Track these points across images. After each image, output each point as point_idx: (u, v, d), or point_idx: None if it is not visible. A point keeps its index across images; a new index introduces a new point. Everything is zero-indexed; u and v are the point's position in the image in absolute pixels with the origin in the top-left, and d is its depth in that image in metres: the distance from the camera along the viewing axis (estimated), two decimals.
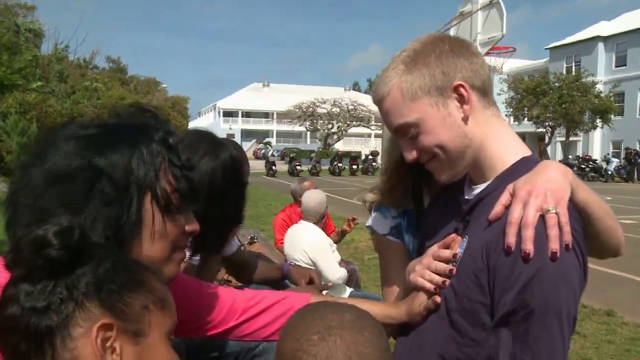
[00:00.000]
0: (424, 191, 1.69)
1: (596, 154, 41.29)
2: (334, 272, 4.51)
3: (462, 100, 1.23)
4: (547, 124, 36.54)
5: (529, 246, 1.05)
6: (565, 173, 1.15)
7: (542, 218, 1.08)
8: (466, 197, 1.33)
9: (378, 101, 1.28)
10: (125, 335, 0.79)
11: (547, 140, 37.58)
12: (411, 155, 1.28)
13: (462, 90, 1.22)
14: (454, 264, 1.24)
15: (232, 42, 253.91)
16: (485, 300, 1.14)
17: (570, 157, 35.65)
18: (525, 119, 37.15)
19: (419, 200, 1.69)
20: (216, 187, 1.70)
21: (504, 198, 1.16)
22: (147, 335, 0.82)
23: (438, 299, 1.26)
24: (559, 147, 43.25)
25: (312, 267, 4.51)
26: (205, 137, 1.79)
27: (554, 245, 1.05)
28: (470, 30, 9.15)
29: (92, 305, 0.78)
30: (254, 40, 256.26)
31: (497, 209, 1.16)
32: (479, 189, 1.29)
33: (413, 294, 1.35)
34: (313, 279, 2.29)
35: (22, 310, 0.76)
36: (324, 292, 2.06)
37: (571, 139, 38.70)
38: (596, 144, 44.00)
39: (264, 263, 2.73)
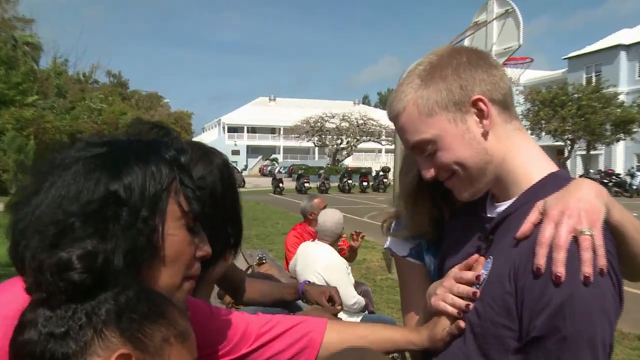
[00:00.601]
0: (444, 210, 1.68)
1: (619, 167, 41.04)
2: (352, 297, 4.49)
3: (481, 115, 1.22)
4: (566, 136, 36.43)
5: (560, 269, 1.03)
6: (600, 192, 1.13)
7: (575, 240, 1.06)
8: (488, 215, 1.32)
9: (393, 117, 1.28)
10: None
11: (566, 153, 37.45)
12: (429, 173, 1.28)
13: (481, 104, 1.22)
14: (478, 286, 1.23)
15: (237, 55, 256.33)
16: (513, 324, 1.12)
17: (591, 171, 35.44)
18: (543, 132, 37.03)
19: (439, 220, 1.68)
20: (217, 193, 1.71)
21: (533, 216, 1.15)
22: None
23: (462, 323, 1.24)
24: (579, 160, 43.02)
25: None
26: (195, 145, 1.81)
27: (588, 269, 1.02)
28: (486, 41, 9.17)
29: (112, 334, 0.78)
30: (259, 53, 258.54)
31: (526, 227, 1.14)
32: (503, 206, 1.28)
33: (435, 318, 1.33)
34: (333, 296, 2.26)
35: (40, 336, 0.77)
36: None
37: (592, 152, 38.56)
38: (619, 157, 43.82)
39: (273, 283, 2.72)
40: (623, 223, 1.14)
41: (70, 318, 0.77)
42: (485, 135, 1.23)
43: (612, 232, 1.13)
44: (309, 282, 2.53)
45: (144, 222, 0.95)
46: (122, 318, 0.79)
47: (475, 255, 1.28)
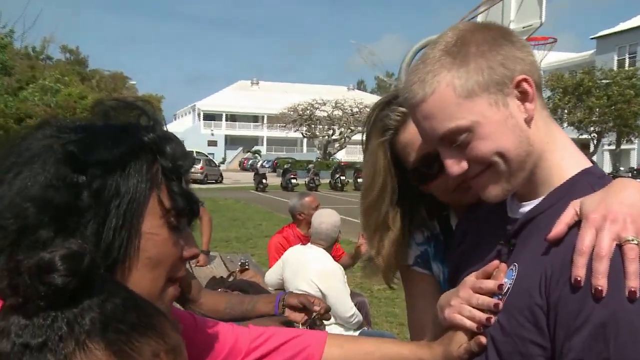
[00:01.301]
0: (451, 211, 1.71)
1: None
2: (350, 309, 4.54)
3: (524, 97, 1.21)
4: (591, 129, 36.41)
5: (601, 282, 1.02)
6: None
7: (619, 249, 1.05)
8: (511, 216, 1.32)
9: (417, 103, 1.23)
10: None
11: (592, 149, 37.47)
12: (459, 167, 1.23)
13: (525, 85, 1.20)
14: (500, 297, 1.22)
15: (214, 31, 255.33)
16: (544, 342, 1.12)
17: (622, 168, 35.30)
18: (565, 124, 36.99)
19: (446, 222, 1.71)
20: None
21: (568, 216, 1.14)
22: None
23: (483, 339, 1.22)
24: (607, 156, 42.98)
25: None
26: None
27: (634, 283, 1.02)
28: (502, 18, 9.18)
29: (96, 346, 0.77)
30: (241, 29, 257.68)
31: (559, 228, 1.13)
32: (529, 205, 1.27)
33: (450, 333, 1.32)
34: (303, 303, 2.21)
35: (13, 347, 0.76)
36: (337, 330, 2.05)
37: (623, 147, 38.58)
38: None
39: (244, 295, 2.72)
40: None
41: (49, 327, 0.76)
42: (528, 121, 1.22)
43: None
44: (287, 292, 2.55)
45: (121, 219, 0.96)
46: (108, 328, 0.78)
47: (496, 262, 1.27)
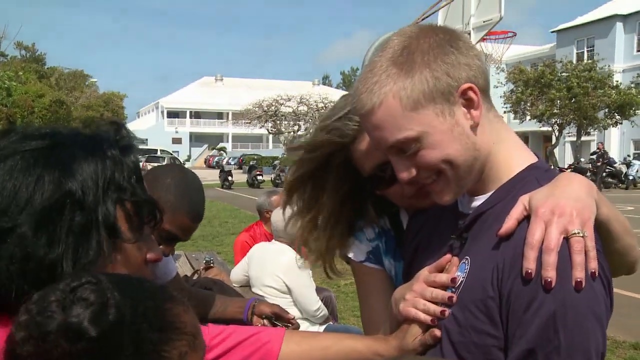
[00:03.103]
0: (400, 207, 1.74)
1: (614, 155, 41.43)
2: (315, 302, 4.58)
3: (470, 105, 1.24)
4: (554, 121, 36.95)
5: (551, 274, 1.08)
6: (590, 189, 1.20)
7: (567, 241, 1.11)
8: (462, 211, 1.37)
9: (365, 113, 1.25)
10: None
11: (554, 140, 38.04)
12: (408, 173, 1.27)
13: (470, 93, 1.23)
14: (454, 290, 1.26)
15: (177, 27, 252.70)
16: (497, 333, 1.16)
17: (582, 159, 35.89)
18: (528, 117, 37.43)
19: (396, 218, 1.75)
20: None
21: (517, 211, 1.18)
22: None
23: (437, 332, 1.26)
24: (568, 148, 43.69)
25: (286, 295, 4.56)
26: None
27: (580, 273, 1.08)
28: (463, 13, 9.31)
29: None
30: (204, 24, 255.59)
31: (509, 223, 1.18)
32: (479, 200, 1.32)
33: (404, 326, 1.36)
34: (277, 313, 2.35)
35: None
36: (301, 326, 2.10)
37: (583, 138, 39.15)
38: (614, 144, 44.19)
39: (220, 297, 2.73)
40: (610, 219, 1.22)
41: None
42: (474, 127, 1.25)
43: (598, 229, 1.19)
44: (257, 300, 2.59)
45: (87, 226, 0.99)
46: (143, 354, 0.85)
47: (448, 255, 1.31)
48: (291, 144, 1.77)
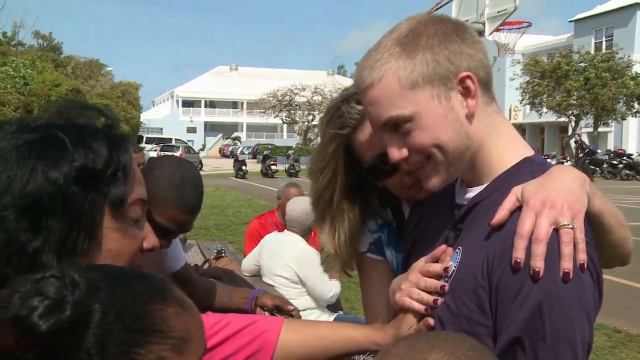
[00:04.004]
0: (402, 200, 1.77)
1: (632, 147, 40.86)
2: (328, 289, 4.62)
3: (467, 93, 1.25)
4: (570, 112, 36.62)
5: (539, 264, 1.09)
6: (583, 182, 1.21)
7: (556, 232, 1.12)
8: (458, 202, 1.39)
9: (364, 88, 1.28)
10: None
11: (570, 131, 37.73)
12: (400, 153, 1.29)
13: (468, 82, 1.24)
14: (447, 279, 1.28)
15: (192, 17, 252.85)
16: (487, 321, 1.18)
17: (599, 151, 35.62)
18: (544, 107, 37.10)
19: (398, 209, 1.77)
20: None
21: (509, 202, 1.20)
22: None
23: (431, 321, 1.28)
24: (585, 139, 43.07)
25: (297, 285, 4.60)
26: None
27: (567, 264, 1.10)
28: (477, 3, 9.26)
29: None
30: (218, 14, 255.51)
31: (502, 214, 1.19)
32: (473, 192, 1.34)
33: (400, 316, 1.38)
34: (278, 305, 2.38)
35: None
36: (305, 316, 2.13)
37: (600, 129, 38.84)
38: (632, 135, 43.66)
39: (226, 287, 2.79)
40: (603, 212, 1.23)
41: None
42: (469, 117, 1.26)
43: (590, 221, 1.21)
44: (261, 291, 2.63)
45: (85, 214, 1.01)
46: (106, 353, 0.81)
47: (443, 246, 1.33)
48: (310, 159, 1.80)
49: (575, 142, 33.28)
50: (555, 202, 1.14)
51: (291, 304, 2.44)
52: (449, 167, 1.29)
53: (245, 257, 5.50)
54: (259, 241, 5.20)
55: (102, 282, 0.85)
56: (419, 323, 1.32)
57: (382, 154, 1.53)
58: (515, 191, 1.21)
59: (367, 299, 1.79)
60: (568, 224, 1.12)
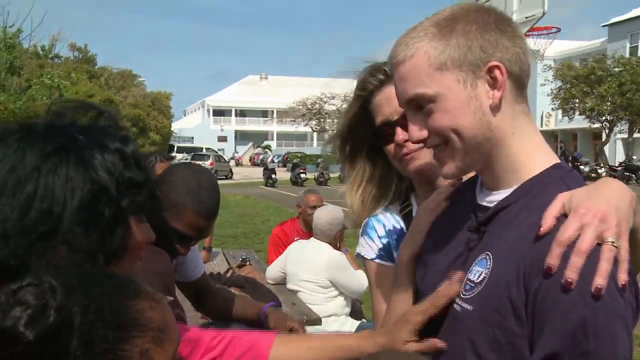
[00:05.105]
0: (413, 202, 1.79)
1: None
2: (359, 285, 4.67)
3: (494, 84, 1.24)
4: (604, 118, 36.06)
5: (574, 275, 1.06)
6: (632, 199, 1.17)
7: (598, 247, 1.08)
8: (479, 203, 1.36)
9: (396, 63, 1.29)
10: None
11: (604, 138, 37.14)
12: (419, 133, 1.30)
13: (497, 72, 1.24)
14: (477, 286, 1.24)
15: (222, 27, 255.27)
16: (522, 331, 1.14)
17: (634, 157, 34.92)
18: (577, 113, 36.61)
19: (409, 215, 1.78)
20: None
21: (555, 209, 1.16)
22: None
23: (439, 343, 1.31)
24: (619, 145, 42.42)
25: (324, 290, 4.63)
26: None
27: (602, 281, 1.06)
28: (505, 8, 9.18)
29: None
30: (248, 24, 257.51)
31: (549, 220, 1.15)
32: (499, 194, 1.30)
33: (396, 322, 1.40)
34: (295, 329, 2.39)
35: None
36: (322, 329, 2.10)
37: (636, 135, 38.16)
38: None
39: (242, 298, 2.83)
40: (638, 229, 1.19)
41: None
42: (493, 108, 1.25)
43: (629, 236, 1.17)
44: (273, 304, 2.66)
45: (122, 213, 1.06)
46: (92, 352, 0.83)
47: (460, 273, 1.30)
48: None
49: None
50: (606, 217, 1.10)
51: (292, 321, 2.46)
52: (465, 156, 1.28)
53: (269, 264, 5.51)
54: (282, 248, 5.23)
55: (76, 284, 0.86)
56: (424, 342, 1.35)
57: (387, 120, 1.70)
58: (562, 198, 1.17)
59: (376, 307, 1.79)
60: (613, 242, 1.09)
